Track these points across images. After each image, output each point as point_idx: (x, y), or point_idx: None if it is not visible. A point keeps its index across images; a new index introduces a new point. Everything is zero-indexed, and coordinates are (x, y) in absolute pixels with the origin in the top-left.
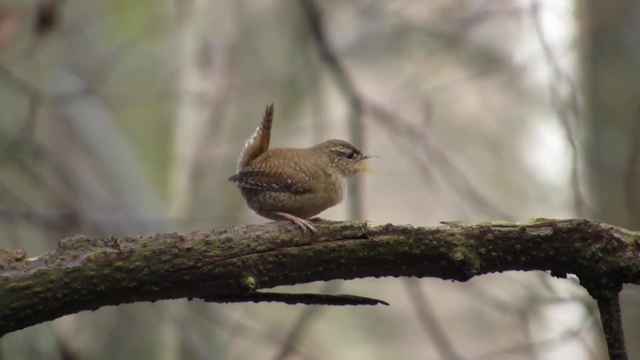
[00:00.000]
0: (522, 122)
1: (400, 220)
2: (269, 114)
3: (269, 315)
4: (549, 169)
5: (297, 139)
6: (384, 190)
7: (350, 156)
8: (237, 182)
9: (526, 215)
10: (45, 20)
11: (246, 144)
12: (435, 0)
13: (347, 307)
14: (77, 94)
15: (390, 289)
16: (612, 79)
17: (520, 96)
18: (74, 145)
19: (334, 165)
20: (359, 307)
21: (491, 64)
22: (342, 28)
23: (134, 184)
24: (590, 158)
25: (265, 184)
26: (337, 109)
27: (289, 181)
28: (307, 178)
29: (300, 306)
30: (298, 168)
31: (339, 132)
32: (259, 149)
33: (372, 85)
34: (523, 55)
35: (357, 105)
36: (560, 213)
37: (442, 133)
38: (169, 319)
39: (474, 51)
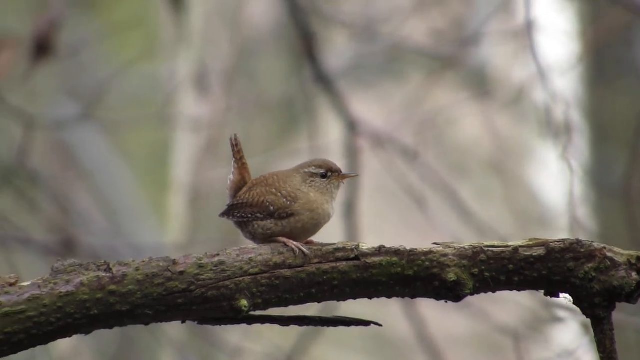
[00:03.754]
0: (524, 144)
1: (400, 242)
2: (234, 145)
3: (268, 338)
4: (551, 191)
5: (295, 161)
6: (382, 213)
7: (324, 176)
8: (226, 217)
9: (530, 237)
10: (42, 48)
11: (228, 181)
12: (430, 21)
13: (351, 330)
14: (74, 118)
15: (392, 311)
16: (612, 98)
17: (521, 118)
18: (70, 170)
19: (307, 185)
20: (364, 330)
21: (490, 85)
22: (337, 50)
23: (131, 208)
24: (591, 178)
25: (250, 215)
26: (334, 131)
27: (272, 208)
28: (288, 202)
29: (300, 329)
30: (279, 194)
31: (335, 154)
32: (242, 182)
33: (368, 108)
34: (522, 76)
35: (352, 127)
36: (564, 235)
37: (443, 156)
38: (167, 343)
39: (472, 73)
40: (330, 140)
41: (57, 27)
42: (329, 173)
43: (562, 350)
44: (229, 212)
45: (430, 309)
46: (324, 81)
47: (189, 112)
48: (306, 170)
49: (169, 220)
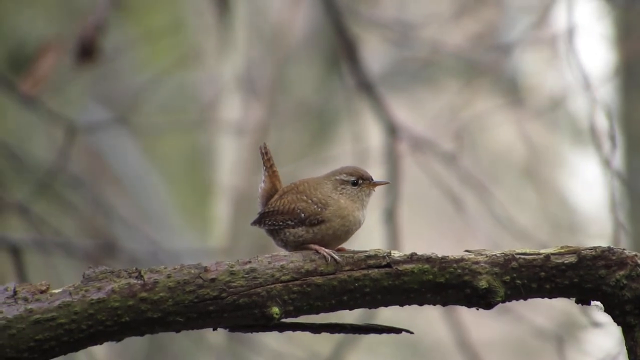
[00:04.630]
0: (559, 151)
1: (439, 249)
2: (264, 154)
3: (306, 343)
4: (584, 198)
5: (332, 167)
6: (421, 219)
7: (355, 183)
8: (258, 226)
9: (562, 244)
10: (87, 52)
11: (259, 189)
12: (468, 27)
13: (387, 336)
14: (108, 124)
15: (428, 317)
16: None
17: (554, 125)
18: (107, 175)
19: (338, 192)
20: (398, 336)
21: (527, 92)
22: (374, 56)
23: (167, 214)
24: (625, 186)
25: (281, 222)
26: (373, 137)
27: (303, 215)
28: (318, 209)
29: (338, 335)
30: (310, 201)
31: (375, 159)
32: (273, 190)
33: (405, 113)
34: (559, 84)
35: (393, 132)
36: (598, 241)
37: (478, 162)
38: (204, 347)
39: (509, 79)
40: (367, 146)
41: (102, 31)
42: (359, 181)
43: (603, 355)
44: (260, 221)
45: (465, 312)
46: (365, 86)
47: (231, 118)
48: (337, 177)
49: (208, 227)
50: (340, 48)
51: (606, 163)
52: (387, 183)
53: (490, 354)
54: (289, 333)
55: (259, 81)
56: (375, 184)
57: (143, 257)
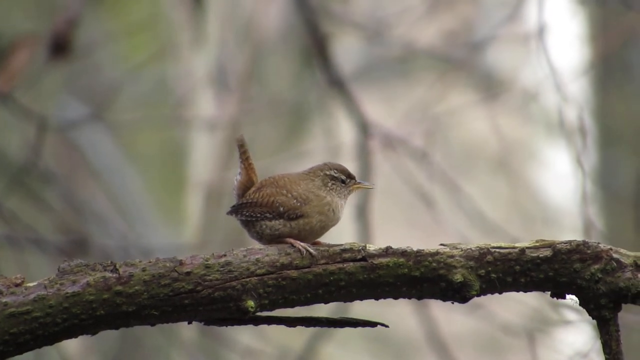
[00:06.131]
0: (532, 146)
1: (409, 243)
2: (240, 146)
3: (278, 339)
4: (558, 192)
5: (305, 163)
6: (392, 214)
7: (343, 181)
8: (234, 216)
9: (535, 237)
10: (60, 47)
11: (235, 181)
12: (442, 23)
13: (357, 330)
14: (84, 120)
15: (399, 312)
16: (620, 102)
17: (529, 120)
18: (81, 171)
19: (327, 188)
20: (369, 330)
21: (500, 87)
22: (348, 52)
23: (142, 209)
24: (599, 180)
25: (259, 214)
26: (346, 133)
27: (281, 209)
28: (298, 204)
29: (309, 329)
30: (290, 195)
31: (347, 155)
32: (249, 182)
33: (379, 109)
34: (532, 79)
35: (364, 129)
36: (570, 235)
37: (451, 156)
38: (177, 343)
39: (482, 75)
40: (339, 142)
41: (75, 26)
42: (348, 180)
43: (574, 352)
44: (237, 210)
45: (436, 308)
46: (336, 83)
47: (204, 113)
48: (327, 172)
49: (183, 222)
50: (312, 45)
51: (577, 160)
52: (372, 187)
53: (461, 349)
54: (261, 328)
55: (233, 76)
56: (360, 186)
57: (115, 252)
